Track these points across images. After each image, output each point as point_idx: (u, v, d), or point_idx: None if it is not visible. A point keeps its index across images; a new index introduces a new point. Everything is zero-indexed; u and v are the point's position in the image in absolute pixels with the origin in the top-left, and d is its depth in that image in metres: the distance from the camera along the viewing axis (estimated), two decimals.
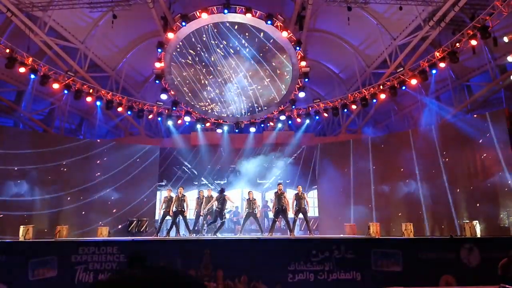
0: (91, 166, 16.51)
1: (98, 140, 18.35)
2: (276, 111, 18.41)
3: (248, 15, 15.25)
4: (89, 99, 16.72)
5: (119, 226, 15.77)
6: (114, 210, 16.15)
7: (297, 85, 17.36)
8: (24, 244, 9.92)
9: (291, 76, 17.27)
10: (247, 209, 12.95)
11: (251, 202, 13.00)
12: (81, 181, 16.00)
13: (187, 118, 18.26)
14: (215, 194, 13.51)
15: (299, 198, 12.66)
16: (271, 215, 15.33)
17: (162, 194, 17.54)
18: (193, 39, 16.37)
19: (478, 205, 13.14)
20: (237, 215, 17.49)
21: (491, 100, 16.70)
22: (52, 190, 15.17)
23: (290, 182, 19.01)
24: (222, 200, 12.96)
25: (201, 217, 13.76)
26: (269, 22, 15.30)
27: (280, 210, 12.49)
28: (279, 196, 12.56)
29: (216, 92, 18.01)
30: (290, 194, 13.57)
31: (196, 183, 19.23)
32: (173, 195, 13.38)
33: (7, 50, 14.13)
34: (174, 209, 12.83)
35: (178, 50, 16.60)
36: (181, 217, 13.00)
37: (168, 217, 13.25)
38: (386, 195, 16.01)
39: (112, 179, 16.70)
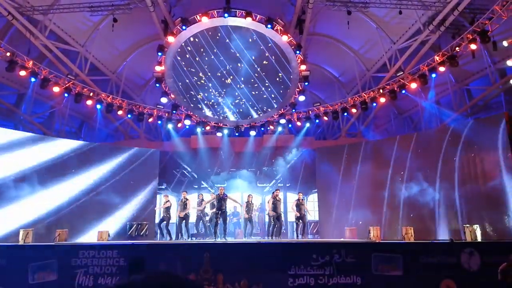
0: (91, 169, 16.46)
1: (98, 144, 18.34)
2: (276, 115, 18.43)
3: (248, 19, 15.28)
4: (89, 102, 16.75)
5: (119, 230, 15.71)
6: (114, 214, 16.09)
7: (297, 89, 17.38)
8: (24, 247, 9.90)
9: (291, 80, 17.29)
10: (246, 213, 13.06)
11: (250, 205, 13.10)
12: (81, 185, 15.95)
13: (187, 122, 18.27)
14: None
15: (299, 204, 12.84)
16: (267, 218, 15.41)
17: (162, 198, 17.51)
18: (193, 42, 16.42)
19: (478, 209, 13.12)
20: (237, 215, 17.50)
21: (491, 104, 16.75)
22: (51, 194, 15.13)
23: (290, 186, 19.03)
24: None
25: (200, 220, 13.76)
26: (269, 26, 15.32)
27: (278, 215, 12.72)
28: (276, 202, 12.76)
29: (217, 95, 18.03)
30: (290, 198, 13.76)
31: (196, 186, 19.23)
32: (172, 200, 13.54)
33: (8, 54, 14.17)
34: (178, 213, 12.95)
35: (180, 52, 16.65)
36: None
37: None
38: (386, 198, 15.98)
39: (112, 182, 16.66)
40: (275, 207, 12.75)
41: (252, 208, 13.30)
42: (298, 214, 12.84)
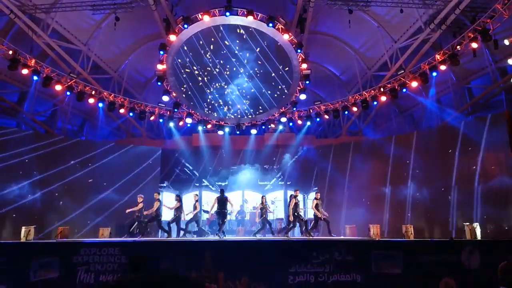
0: (93, 167, 16.58)
1: (100, 142, 18.43)
2: (277, 113, 18.46)
3: (250, 17, 15.31)
4: (91, 100, 16.80)
5: (121, 227, 15.77)
6: (116, 211, 16.17)
7: (298, 87, 17.40)
8: (26, 245, 9.98)
9: (292, 78, 17.30)
10: (262, 214, 13.29)
11: (265, 207, 13.36)
12: (83, 183, 16.07)
13: (189, 120, 18.32)
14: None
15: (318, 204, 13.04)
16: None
17: (163, 196, 17.58)
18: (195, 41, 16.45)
19: (478, 207, 13.14)
20: (242, 213, 17.61)
21: (492, 103, 16.73)
22: (53, 191, 15.24)
23: (291, 184, 19.09)
24: (222, 202, 12.94)
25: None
26: (270, 24, 15.34)
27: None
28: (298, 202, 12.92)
29: (217, 93, 18.06)
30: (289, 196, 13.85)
31: (197, 184, 19.29)
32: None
33: (10, 52, 14.20)
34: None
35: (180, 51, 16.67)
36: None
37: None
38: (386, 197, 16.03)
39: (114, 180, 16.76)
40: (296, 207, 12.79)
41: (267, 209, 13.46)
42: (319, 214, 12.87)
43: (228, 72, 17.46)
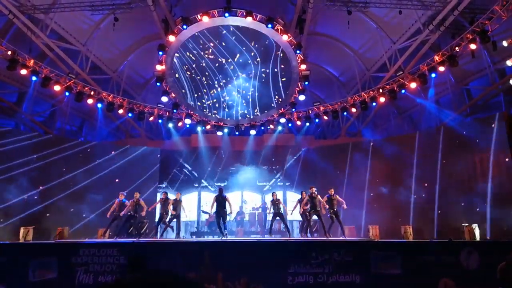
0: (92, 168, 16.57)
1: (99, 142, 18.40)
2: (276, 114, 18.46)
3: (249, 18, 15.29)
4: (90, 101, 16.77)
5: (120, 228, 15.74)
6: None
7: (297, 88, 17.41)
8: (25, 245, 9.96)
9: (291, 79, 17.31)
10: (273, 210, 13.26)
11: (275, 202, 13.27)
12: (82, 183, 16.04)
13: (188, 121, 18.30)
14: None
15: (331, 199, 13.04)
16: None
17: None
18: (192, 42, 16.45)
19: (477, 208, 13.16)
20: (241, 214, 17.59)
21: (490, 104, 16.77)
22: (53, 192, 15.22)
23: (290, 185, 19.09)
24: (221, 201, 12.92)
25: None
26: (269, 25, 15.33)
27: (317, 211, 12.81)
28: (313, 198, 12.83)
29: (217, 94, 18.07)
30: (293, 197, 13.83)
31: (196, 185, 19.29)
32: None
33: (9, 52, 14.19)
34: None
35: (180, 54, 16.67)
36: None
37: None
38: (385, 198, 16.04)
39: (113, 181, 16.74)
40: (313, 204, 12.77)
41: (279, 204, 13.33)
42: (332, 210, 12.83)
43: (226, 73, 17.47)
